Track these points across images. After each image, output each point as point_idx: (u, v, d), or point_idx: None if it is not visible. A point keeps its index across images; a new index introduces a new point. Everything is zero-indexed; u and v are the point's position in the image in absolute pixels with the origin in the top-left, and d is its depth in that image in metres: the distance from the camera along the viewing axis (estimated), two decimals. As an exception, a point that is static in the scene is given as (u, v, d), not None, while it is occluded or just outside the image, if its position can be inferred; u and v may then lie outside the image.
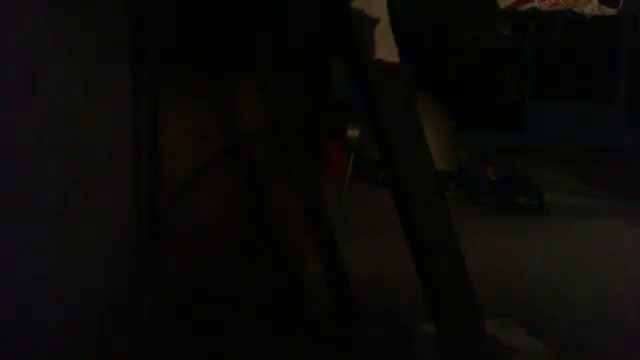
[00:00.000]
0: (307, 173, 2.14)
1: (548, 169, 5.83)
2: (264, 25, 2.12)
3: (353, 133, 3.80)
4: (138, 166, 1.92)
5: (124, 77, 1.90)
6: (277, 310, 2.32)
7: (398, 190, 1.56)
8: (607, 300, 2.96)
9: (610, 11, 4.67)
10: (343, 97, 4.59)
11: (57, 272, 1.83)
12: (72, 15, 1.82)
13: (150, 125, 1.93)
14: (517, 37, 7.25)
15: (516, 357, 2.28)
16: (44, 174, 1.81)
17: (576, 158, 6.25)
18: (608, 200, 4.91)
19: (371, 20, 1.53)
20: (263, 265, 2.30)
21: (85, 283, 1.86)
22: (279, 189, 2.26)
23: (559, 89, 7.23)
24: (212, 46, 2.08)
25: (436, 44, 6.97)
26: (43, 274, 1.82)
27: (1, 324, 1.77)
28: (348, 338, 2.14)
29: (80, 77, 1.84)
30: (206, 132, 2.16)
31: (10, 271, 1.77)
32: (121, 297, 1.93)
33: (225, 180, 2.20)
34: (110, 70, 1.89)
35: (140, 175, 1.92)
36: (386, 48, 1.54)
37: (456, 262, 1.54)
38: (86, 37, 1.84)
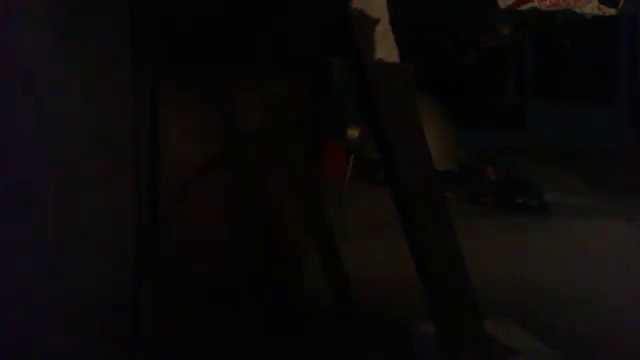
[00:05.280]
0: (307, 173, 2.14)
1: (548, 169, 5.82)
2: (264, 25, 2.12)
3: (353, 133, 3.80)
4: (138, 166, 1.92)
5: (124, 77, 1.90)
6: (277, 309, 2.32)
7: (398, 190, 1.56)
8: (607, 299, 2.96)
9: (610, 11, 4.67)
10: (343, 97, 4.59)
11: (57, 272, 1.83)
12: (72, 15, 1.81)
13: (150, 125, 1.93)
14: (517, 37, 7.25)
15: (516, 357, 2.28)
16: (44, 174, 1.81)
17: (576, 158, 6.25)
18: (608, 200, 4.90)
19: (371, 20, 1.54)
20: (263, 265, 2.30)
21: (85, 283, 1.86)
22: (279, 189, 2.26)
23: (559, 89, 7.23)
24: (212, 46, 2.08)
25: (436, 44, 6.97)
26: (43, 274, 1.81)
27: (1, 324, 1.77)
28: (348, 338, 2.14)
29: (80, 77, 1.84)
30: (206, 132, 2.16)
31: (10, 271, 1.77)
32: (121, 297, 1.93)
33: (225, 180, 2.20)
34: (110, 70, 1.89)
35: (140, 175, 1.92)
36: (386, 48, 1.55)
37: (456, 262, 1.54)
38: (86, 37, 1.84)
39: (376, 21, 1.53)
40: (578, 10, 4.73)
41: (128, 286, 1.95)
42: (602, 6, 4.66)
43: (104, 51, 1.88)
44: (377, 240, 3.33)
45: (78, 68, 1.84)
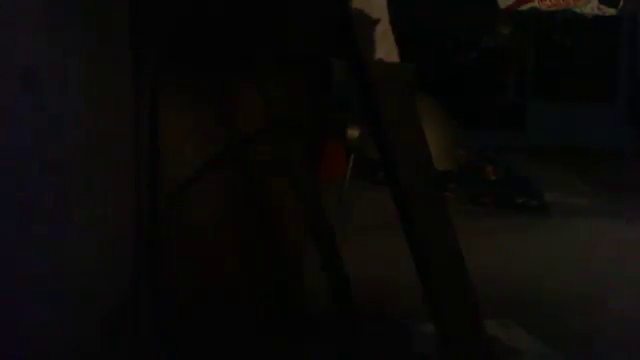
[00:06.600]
0: (307, 173, 2.14)
1: (548, 169, 5.83)
2: (264, 25, 2.12)
3: (353, 133, 3.80)
4: (138, 166, 1.92)
5: (124, 77, 1.90)
6: (277, 310, 2.32)
7: (398, 190, 1.55)
8: (607, 300, 2.96)
9: (610, 11, 4.67)
10: (343, 97, 4.59)
11: (57, 272, 1.83)
12: (72, 15, 1.81)
13: (150, 125, 1.93)
14: (517, 37, 7.25)
15: (517, 357, 2.28)
16: (44, 174, 1.81)
17: (576, 158, 6.25)
18: (608, 200, 4.90)
19: (371, 20, 1.54)
20: (263, 265, 2.29)
21: (85, 283, 1.86)
22: (279, 189, 2.26)
23: (559, 89, 7.23)
24: (212, 46, 2.08)
25: (436, 44, 6.97)
26: (43, 274, 1.81)
27: (0, 324, 1.77)
28: (348, 338, 2.14)
29: (80, 77, 1.84)
30: (206, 132, 2.16)
31: (10, 271, 1.77)
32: (121, 297, 1.93)
33: (224, 180, 2.19)
34: (110, 70, 1.89)
35: (140, 175, 1.92)
36: (386, 48, 1.54)
37: (456, 262, 1.54)
38: (86, 37, 1.84)
39: (376, 21, 1.53)
40: (578, 10, 4.73)
41: (128, 286, 1.95)
42: (602, 6, 4.66)
43: (104, 51, 1.88)
44: (377, 240, 3.33)
45: (78, 68, 1.84)
